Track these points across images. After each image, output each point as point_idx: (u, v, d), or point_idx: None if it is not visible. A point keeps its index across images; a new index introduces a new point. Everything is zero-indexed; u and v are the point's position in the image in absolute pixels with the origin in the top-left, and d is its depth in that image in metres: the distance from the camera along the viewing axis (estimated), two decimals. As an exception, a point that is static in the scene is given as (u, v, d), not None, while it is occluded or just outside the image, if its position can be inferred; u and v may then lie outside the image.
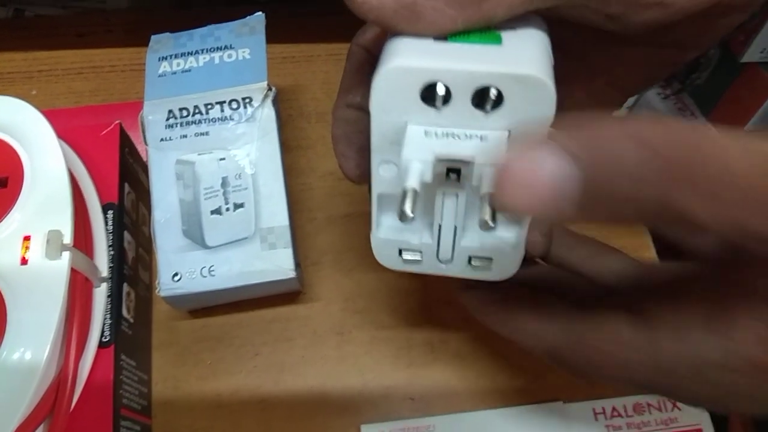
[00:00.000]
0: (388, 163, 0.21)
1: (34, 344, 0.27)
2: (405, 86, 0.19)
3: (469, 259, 0.23)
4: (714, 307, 0.19)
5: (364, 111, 0.24)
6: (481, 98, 0.18)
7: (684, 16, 0.20)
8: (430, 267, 0.24)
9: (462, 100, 0.18)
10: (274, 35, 0.36)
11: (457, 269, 0.23)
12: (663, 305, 0.20)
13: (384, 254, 0.24)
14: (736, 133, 0.14)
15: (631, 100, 0.62)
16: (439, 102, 0.18)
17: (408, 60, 0.18)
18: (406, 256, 0.23)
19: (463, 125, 0.19)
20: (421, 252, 0.23)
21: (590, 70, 0.25)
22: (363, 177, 0.25)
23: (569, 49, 0.24)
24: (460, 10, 0.18)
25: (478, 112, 0.18)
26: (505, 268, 0.23)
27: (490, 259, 0.23)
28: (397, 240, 0.23)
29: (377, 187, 0.22)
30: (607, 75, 0.25)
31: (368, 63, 0.24)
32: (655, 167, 0.14)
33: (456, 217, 0.22)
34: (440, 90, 0.18)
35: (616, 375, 0.21)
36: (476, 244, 0.22)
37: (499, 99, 0.18)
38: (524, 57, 0.18)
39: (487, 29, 0.19)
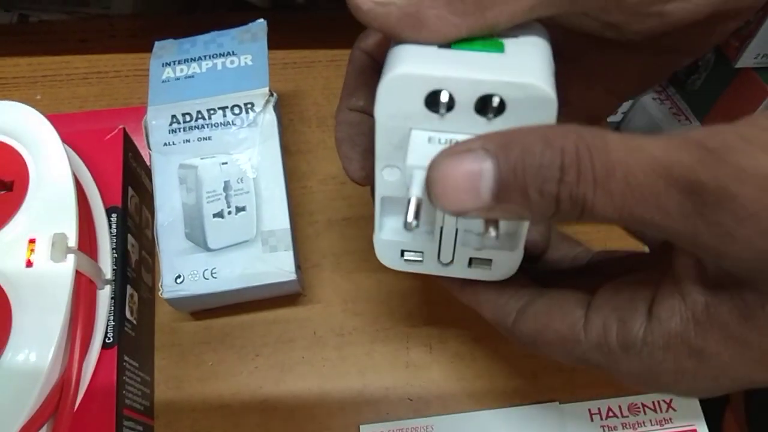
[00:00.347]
0: (391, 167, 0.21)
1: (39, 346, 0.27)
2: (410, 93, 0.19)
3: (470, 262, 0.24)
4: (648, 289, 0.20)
5: (367, 114, 0.24)
6: (484, 105, 0.19)
7: (682, 26, 0.20)
8: (431, 268, 0.24)
9: (465, 106, 0.19)
10: (275, 41, 0.37)
11: (458, 270, 0.24)
12: (608, 287, 0.22)
13: (386, 255, 0.24)
14: (626, 134, 0.16)
15: (626, 105, 0.62)
16: (442, 108, 0.19)
17: (413, 67, 0.19)
18: (408, 256, 0.24)
19: (465, 131, 0.19)
20: (422, 253, 0.24)
21: (587, 76, 0.25)
22: (367, 179, 0.25)
23: (567, 54, 0.24)
24: (464, 18, 0.19)
25: (480, 119, 0.19)
26: (504, 269, 0.24)
27: (490, 261, 0.23)
28: (399, 242, 0.24)
29: (380, 190, 0.22)
30: (604, 80, 0.25)
31: (370, 67, 0.24)
32: (557, 161, 0.16)
33: (457, 221, 0.22)
34: (444, 97, 0.19)
35: (557, 348, 0.22)
36: (477, 247, 0.23)
37: (502, 106, 0.19)
38: (526, 65, 0.19)
39: (489, 37, 0.19)
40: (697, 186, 0.15)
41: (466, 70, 0.18)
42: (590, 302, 0.22)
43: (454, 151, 0.17)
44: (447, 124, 0.19)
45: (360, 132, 0.25)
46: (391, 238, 0.24)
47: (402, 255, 0.24)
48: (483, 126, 0.19)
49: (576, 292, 0.22)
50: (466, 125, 0.19)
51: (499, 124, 0.19)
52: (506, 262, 0.23)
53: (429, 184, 0.17)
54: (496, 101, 0.18)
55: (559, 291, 0.23)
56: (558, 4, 0.19)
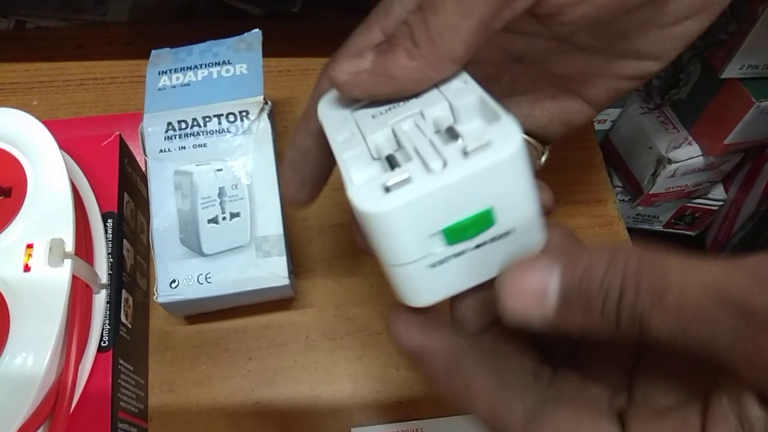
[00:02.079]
0: (343, 134, 0.22)
1: (36, 349, 0.28)
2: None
3: (465, 153, 0.19)
4: (695, 414, 0.19)
5: (321, 139, 0.25)
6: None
7: (612, 11, 0.21)
8: (426, 184, 0.18)
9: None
10: (270, 49, 0.38)
11: (458, 171, 0.18)
12: (644, 413, 0.19)
13: (367, 199, 0.19)
14: (684, 258, 0.17)
15: (615, 114, 0.63)
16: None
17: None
18: (393, 181, 0.19)
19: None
20: (406, 170, 0.19)
21: (554, 82, 0.26)
22: (301, 204, 0.27)
23: (531, 59, 0.25)
24: (425, 61, 0.20)
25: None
26: (510, 143, 0.18)
27: (487, 141, 0.19)
28: (375, 176, 0.19)
29: (342, 153, 0.21)
30: (572, 86, 0.26)
31: None
32: (618, 281, 0.17)
33: (425, 131, 0.20)
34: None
35: None
36: (467, 131, 0.19)
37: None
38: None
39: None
40: (749, 309, 0.16)
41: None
42: (625, 421, 0.19)
43: (523, 262, 0.18)
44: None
45: (306, 160, 0.26)
46: (367, 178, 0.20)
47: (387, 190, 0.19)
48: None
49: (605, 388, 0.21)
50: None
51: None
52: (506, 133, 0.18)
53: (498, 290, 0.18)
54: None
55: (583, 386, 0.21)
56: (500, 15, 0.20)
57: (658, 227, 0.65)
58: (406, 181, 0.18)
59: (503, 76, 0.27)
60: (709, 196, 0.62)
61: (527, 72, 0.26)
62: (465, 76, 0.22)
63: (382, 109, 0.22)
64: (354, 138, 0.21)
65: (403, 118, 0.21)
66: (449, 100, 0.21)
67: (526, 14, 0.21)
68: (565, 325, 0.18)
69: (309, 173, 0.26)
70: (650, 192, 0.57)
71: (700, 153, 0.54)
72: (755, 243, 0.58)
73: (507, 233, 0.20)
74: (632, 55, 0.24)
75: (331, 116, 0.23)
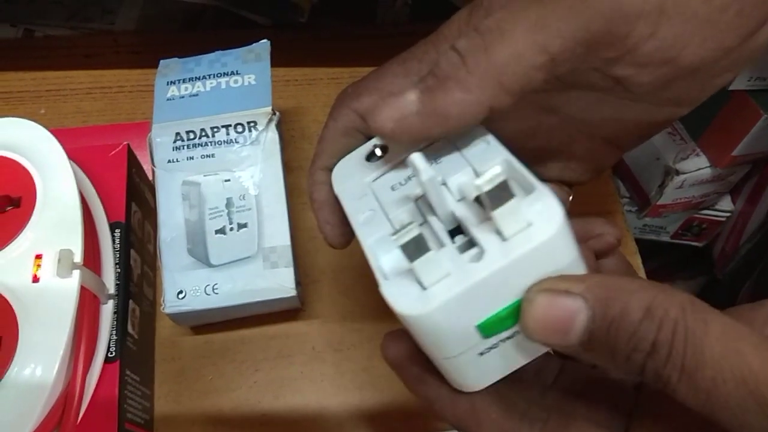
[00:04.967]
0: (363, 213, 0.21)
1: (45, 360, 0.28)
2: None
3: (499, 234, 0.17)
4: None
5: None
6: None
7: (689, 72, 0.20)
8: (464, 276, 0.17)
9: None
10: (277, 58, 0.38)
11: (497, 256, 0.17)
12: None
13: (404, 300, 0.18)
14: (729, 326, 0.16)
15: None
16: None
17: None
18: (428, 279, 0.17)
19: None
20: (442, 264, 0.17)
21: (589, 130, 0.25)
22: (346, 244, 0.25)
23: (568, 111, 0.24)
24: (481, 90, 0.19)
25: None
26: (551, 215, 0.17)
27: (523, 220, 0.17)
28: (407, 270, 0.18)
29: (367, 238, 0.20)
30: (607, 135, 0.25)
31: (357, 129, 0.23)
32: (651, 335, 0.16)
33: (451, 204, 0.19)
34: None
35: None
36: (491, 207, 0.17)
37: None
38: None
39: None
40: None
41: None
42: None
43: (555, 288, 0.17)
44: None
45: (335, 207, 0.24)
46: (396, 262, 0.19)
47: (423, 287, 0.18)
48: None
49: (614, 416, 0.21)
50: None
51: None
52: (544, 209, 0.17)
53: (523, 312, 0.18)
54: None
55: (588, 415, 0.21)
56: (571, 59, 0.19)
57: (665, 238, 0.65)
58: (443, 276, 0.17)
59: (538, 130, 0.25)
60: (717, 207, 0.62)
61: (562, 124, 0.25)
62: (488, 136, 0.20)
63: (402, 177, 0.21)
64: (376, 217, 0.20)
65: (428, 189, 0.19)
66: (473, 165, 0.20)
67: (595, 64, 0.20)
68: (585, 357, 0.18)
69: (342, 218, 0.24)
70: (657, 203, 0.57)
71: (708, 164, 0.54)
72: (762, 254, 0.58)
73: None
74: (670, 103, 0.23)
75: (348, 188, 0.22)
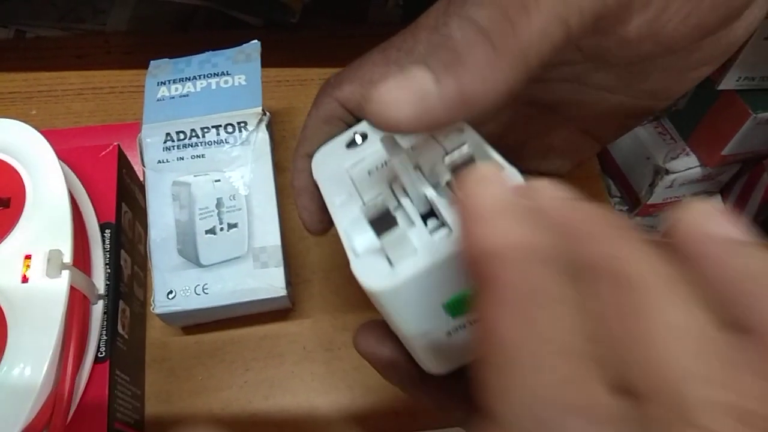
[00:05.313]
0: (340, 196, 0.22)
1: (34, 360, 0.28)
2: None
3: None
4: None
5: None
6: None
7: (666, 51, 0.21)
8: (430, 255, 0.18)
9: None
10: (268, 59, 0.38)
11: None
12: None
13: (372, 275, 0.18)
14: None
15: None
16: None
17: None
18: (395, 253, 0.18)
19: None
20: (407, 238, 0.18)
21: (567, 122, 0.26)
22: (324, 231, 0.25)
23: (543, 104, 0.25)
24: (502, 58, 0.17)
25: None
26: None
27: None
28: (377, 248, 0.18)
29: (342, 221, 0.21)
30: (585, 126, 0.26)
31: (339, 117, 0.24)
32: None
33: (424, 189, 0.20)
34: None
35: None
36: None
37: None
38: None
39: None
40: None
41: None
42: None
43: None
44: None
45: (316, 195, 0.24)
46: (369, 243, 0.19)
47: (391, 264, 0.18)
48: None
49: None
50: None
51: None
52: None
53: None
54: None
55: None
56: (581, 34, 0.18)
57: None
58: (410, 253, 0.17)
59: (517, 121, 0.25)
60: (707, 206, 0.62)
61: (541, 116, 0.25)
62: (462, 124, 0.20)
63: (379, 162, 0.21)
64: (351, 200, 0.21)
65: (401, 172, 0.19)
66: (446, 150, 0.19)
67: (595, 31, 0.19)
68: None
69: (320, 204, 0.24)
70: (648, 202, 0.57)
71: (698, 164, 0.54)
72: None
73: None
74: (647, 96, 0.23)
75: (326, 174, 0.22)
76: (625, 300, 0.12)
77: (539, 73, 0.19)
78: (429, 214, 0.19)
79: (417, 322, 0.19)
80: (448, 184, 0.18)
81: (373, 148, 0.22)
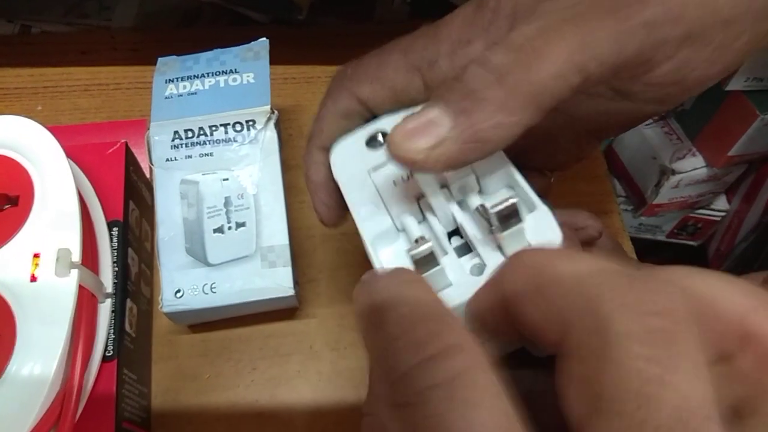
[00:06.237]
0: (365, 205, 0.22)
1: (43, 359, 0.27)
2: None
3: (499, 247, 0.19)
4: None
5: None
6: None
7: (696, 91, 0.21)
8: (466, 290, 0.18)
9: None
10: (275, 56, 0.38)
11: (487, 250, 0.19)
12: None
13: None
14: None
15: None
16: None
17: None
18: (435, 287, 0.19)
19: None
20: (442, 270, 0.19)
21: (574, 124, 0.26)
22: (339, 224, 0.25)
23: (558, 108, 0.25)
24: (516, 112, 0.18)
25: None
26: (544, 228, 0.19)
27: (520, 225, 0.19)
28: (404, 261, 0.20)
29: (368, 234, 0.21)
30: (591, 128, 0.26)
31: (358, 114, 0.24)
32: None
33: (452, 210, 0.21)
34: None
35: None
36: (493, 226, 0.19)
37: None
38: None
39: None
40: None
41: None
42: None
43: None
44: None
45: (330, 187, 0.24)
46: (394, 262, 0.21)
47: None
48: None
49: None
50: None
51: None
52: (544, 228, 0.19)
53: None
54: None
55: None
56: (601, 79, 0.19)
57: (661, 237, 0.65)
58: (445, 286, 0.19)
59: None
60: (712, 206, 0.62)
61: (549, 121, 0.25)
62: None
63: (404, 171, 0.21)
64: (378, 212, 0.21)
65: (428, 193, 0.20)
66: (474, 171, 0.20)
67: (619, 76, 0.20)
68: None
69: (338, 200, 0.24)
70: (654, 202, 0.57)
71: (704, 164, 0.54)
72: (758, 254, 0.58)
73: None
74: (655, 101, 0.23)
75: (348, 175, 0.22)
76: None
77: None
78: (455, 231, 0.21)
79: None
80: (477, 209, 0.20)
81: None
